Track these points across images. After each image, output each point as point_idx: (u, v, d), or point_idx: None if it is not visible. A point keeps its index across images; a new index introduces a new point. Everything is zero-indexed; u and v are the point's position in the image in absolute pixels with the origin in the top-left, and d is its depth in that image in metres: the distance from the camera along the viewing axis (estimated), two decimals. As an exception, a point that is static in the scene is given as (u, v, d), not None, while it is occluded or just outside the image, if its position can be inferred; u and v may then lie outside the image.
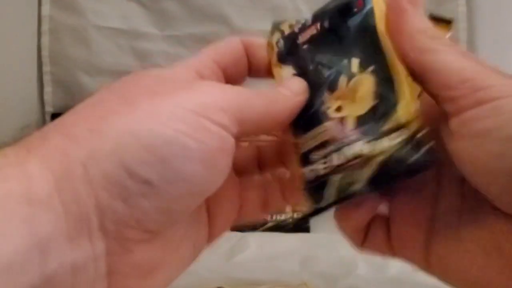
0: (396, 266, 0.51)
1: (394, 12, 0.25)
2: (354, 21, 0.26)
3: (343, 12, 0.27)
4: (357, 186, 0.24)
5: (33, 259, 0.18)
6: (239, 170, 0.28)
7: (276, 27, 0.30)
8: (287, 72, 0.28)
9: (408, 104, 0.23)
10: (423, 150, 0.22)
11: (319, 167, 0.25)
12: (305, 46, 0.28)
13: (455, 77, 0.22)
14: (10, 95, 0.63)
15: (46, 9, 0.67)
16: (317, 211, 0.25)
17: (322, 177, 0.25)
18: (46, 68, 0.68)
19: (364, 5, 0.26)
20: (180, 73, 0.25)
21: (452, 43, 0.25)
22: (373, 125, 0.24)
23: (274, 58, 0.29)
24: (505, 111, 0.20)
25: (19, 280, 0.17)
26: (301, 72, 0.27)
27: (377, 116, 0.24)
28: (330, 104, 0.26)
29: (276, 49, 0.29)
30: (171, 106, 0.20)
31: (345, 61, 0.26)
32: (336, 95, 0.26)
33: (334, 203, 0.25)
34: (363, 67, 0.25)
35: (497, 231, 0.22)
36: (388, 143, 0.23)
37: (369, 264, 0.51)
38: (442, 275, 0.25)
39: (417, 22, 0.26)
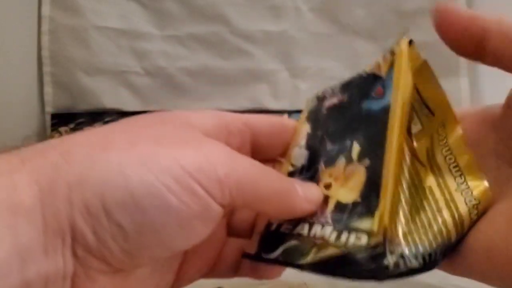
0: (396, 266, 0.50)
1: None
2: (368, 105, 0.26)
3: (363, 91, 0.26)
4: (301, 261, 0.24)
5: (14, 265, 0.18)
6: (234, 231, 0.28)
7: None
8: (305, 129, 0.28)
9: (384, 214, 0.23)
10: (381, 262, 0.22)
11: (286, 225, 0.25)
12: (325, 112, 0.28)
13: None
14: (10, 95, 0.63)
15: (46, 10, 0.67)
16: (257, 257, 0.25)
17: (283, 234, 0.25)
18: (46, 68, 0.68)
19: (383, 94, 0.26)
20: (204, 124, 0.24)
21: None
22: (347, 217, 0.24)
23: (304, 114, 0.29)
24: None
25: (1, 283, 0.18)
26: (313, 134, 0.28)
27: (354, 212, 0.24)
28: (322, 177, 0.26)
29: (308, 107, 0.30)
30: (169, 159, 0.20)
31: (348, 143, 0.26)
32: (330, 172, 0.26)
33: (276, 261, 0.25)
34: (361, 157, 0.25)
35: None
36: (353, 241, 0.23)
37: (369, 264, 0.51)
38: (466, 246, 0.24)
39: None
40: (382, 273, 0.22)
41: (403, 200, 0.24)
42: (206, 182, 0.21)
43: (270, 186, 0.23)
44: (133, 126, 0.23)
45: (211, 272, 0.28)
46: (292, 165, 0.28)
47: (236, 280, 0.48)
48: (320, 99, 0.29)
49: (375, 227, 0.22)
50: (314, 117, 0.29)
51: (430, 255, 0.23)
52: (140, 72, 0.69)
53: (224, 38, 0.69)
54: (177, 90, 0.70)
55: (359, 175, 0.24)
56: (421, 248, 0.23)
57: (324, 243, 0.24)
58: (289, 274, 0.50)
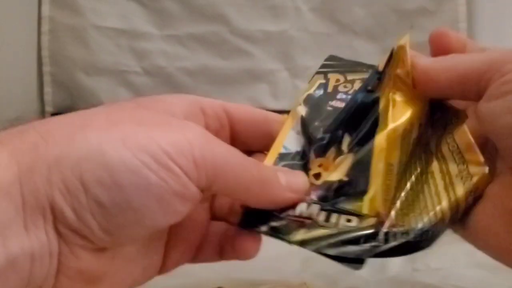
0: (396, 266, 0.51)
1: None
2: (362, 98, 0.27)
3: (363, 85, 0.27)
4: (291, 238, 0.25)
5: None
6: (219, 217, 0.28)
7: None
8: (299, 110, 0.28)
9: (376, 197, 0.24)
10: (366, 246, 0.23)
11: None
12: (329, 108, 0.28)
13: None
14: (10, 95, 0.63)
15: (45, 10, 0.67)
16: (248, 222, 0.25)
17: (268, 213, 0.25)
18: (46, 68, 0.68)
19: (378, 88, 0.27)
20: (182, 107, 0.25)
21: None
22: (333, 196, 0.24)
23: (302, 95, 0.29)
24: None
25: None
26: (308, 120, 0.28)
27: (341, 192, 0.24)
28: (312, 167, 0.26)
29: (311, 89, 0.29)
30: (147, 138, 0.21)
31: (339, 133, 0.26)
32: (320, 162, 0.26)
33: (265, 233, 0.25)
34: (351, 147, 0.26)
35: None
36: (342, 222, 0.23)
37: (369, 264, 0.51)
38: (475, 242, 0.26)
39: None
40: (371, 252, 0.23)
41: (404, 185, 0.25)
42: (182, 161, 0.21)
43: (249, 174, 0.23)
44: (115, 109, 0.23)
45: (196, 256, 0.28)
46: (285, 147, 0.27)
47: (236, 280, 0.48)
48: (323, 86, 0.29)
49: (366, 210, 0.23)
50: (314, 103, 0.28)
51: (421, 235, 0.24)
52: (139, 72, 0.69)
53: (224, 38, 0.69)
54: (176, 90, 0.70)
55: (348, 160, 0.25)
56: (412, 229, 0.24)
57: (313, 223, 0.24)
58: (289, 274, 0.50)
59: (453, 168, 0.25)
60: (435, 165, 0.26)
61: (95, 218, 0.20)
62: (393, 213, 0.24)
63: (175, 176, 0.21)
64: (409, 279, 0.48)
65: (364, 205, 0.24)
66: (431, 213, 0.24)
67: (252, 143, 0.28)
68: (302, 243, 0.25)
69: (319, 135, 0.27)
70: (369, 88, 0.27)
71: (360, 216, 0.23)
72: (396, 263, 0.51)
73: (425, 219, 0.24)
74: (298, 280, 0.47)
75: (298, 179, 0.26)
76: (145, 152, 0.20)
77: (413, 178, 0.25)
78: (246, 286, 0.47)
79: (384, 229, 0.23)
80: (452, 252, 0.53)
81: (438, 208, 0.24)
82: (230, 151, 0.23)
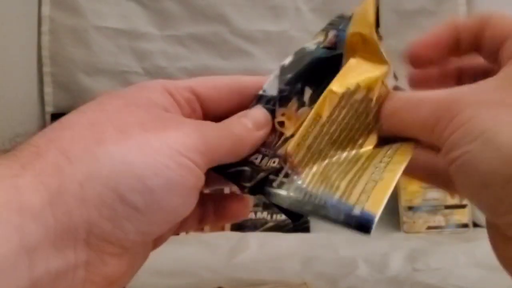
0: (396, 266, 0.51)
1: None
2: (320, 53, 0.29)
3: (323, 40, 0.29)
4: (246, 184, 0.28)
5: (22, 263, 0.19)
6: None
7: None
8: (286, 59, 0.31)
9: (294, 139, 0.27)
10: (272, 179, 0.27)
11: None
12: (313, 51, 0.30)
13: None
14: (10, 95, 0.63)
15: (46, 10, 0.67)
16: (216, 169, 0.28)
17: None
18: (46, 68, 0.68)
19: (336, 45, 0.29)
20: (157, 96, 0.27)
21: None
22: (279, 147, 0.28)
23: (298, 48, 0.31)
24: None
25: (8, 281, 0.19)
26: (286, 68, 0.30)
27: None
28: (277, 115, 0.29)
29: (308, 43, 0.31)
30: (159, 142, 0.23)
31: (299, 86, 0.29)
32: (283, 111, 0.29)
33: (226, 175, 0.28)
34: (312, 101, 0.28)
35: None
36: (271, 164, 0.27)
37: (369, 264, 0.51)
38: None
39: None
40: (267, 185, 0.26)
41: (333, 154, 0.27)
42: (193, 157, 0.23)
43: (231, 143, 0.26)
44: (108, 113, 0.25)
45: (179, 228, 0.31)
46: (264, 90, 0.29)
47: (236, 280, 0.48)
48: (321, 43, 0.30)
49: (283, 151, 0.27)
50: (301, 55, 0.30)
51: (311, 197, 0.26)
52: (140, 72, 0.69)
53: (224, 38, 0.69)
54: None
55: (306, 114, 0.27)
56: (308, 190, 0.26)
57: (258, 168, 0.28)
58: (289, 274, 0.50)
59: (378, 155, 0.27)
60: (367, 151, 0.27)
61: (131, 222, 0.22)
62: (299, 157, 0.26)
63: (191, 170, 0.23)
64: (409, 279, 0.48)
65: (287, 147, 0.27)
66: (329, 185, 0.26)
67: (228, 115, 0.30)
68: (251, 190, 0.28)
69: (282, 86, 0.29)
70: (327, 44, 0.29)
71: (280, 157, 0.27)
72: (396, 263, 0.51)
73: (325, 188, 0.26)
74: (298, 280, 0.47)
75: (258, 114, 0.28)
76: (162, 155, 0.23)
77: (347, 153, 0.27)
78: (246, 286, 0.47)
79: (287, 169, 0.26)
80: (452, 252, 0.53)
81: (336, 183, 0.26)
82: (216, 133, 0.26)
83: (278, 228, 0.65)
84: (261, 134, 0.28)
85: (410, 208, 0.66)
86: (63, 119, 0.25)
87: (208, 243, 0.59)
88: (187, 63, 0.70)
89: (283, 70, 0.29)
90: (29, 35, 0.67)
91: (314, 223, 0.65)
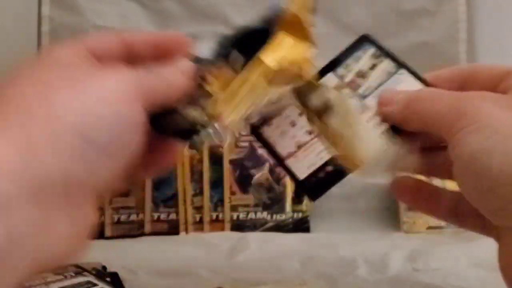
0: (396, 266, 0.51)
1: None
2: (257, 23, 0.33)
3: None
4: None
5: None
6: None
7: None
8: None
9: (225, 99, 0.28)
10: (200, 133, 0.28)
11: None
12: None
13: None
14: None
15: (46, 10, 0.67)
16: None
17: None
18: (46, 68, 0.68)
19: (269, 19, 0.33)
20: (74, 56, 0.28)
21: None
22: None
23: None
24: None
25: None
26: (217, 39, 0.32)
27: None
28: (203, 73, 0.30)
29: None
30: (102, 88, 0.24)
31: (229, 50, 0.31)
32: (211, 70, 0.30)
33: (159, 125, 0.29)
34: (240, 66, 0.30)
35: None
36: (194, 113, 0.29)
37: (369, 264, 0.51)
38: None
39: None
40: (193, 134, 0.28)
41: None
42: (132, 96, 0.25)
43: (164, 89, 0.27)
44: (39, 76, 0.25)
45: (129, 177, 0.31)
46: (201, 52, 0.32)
47: (236, 281, 0.48)
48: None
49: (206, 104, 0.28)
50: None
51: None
52: (140, 72, 0.69)
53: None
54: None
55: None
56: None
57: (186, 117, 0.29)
58: (289, 274, 0.50)
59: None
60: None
61: (102, 164, 0.23)
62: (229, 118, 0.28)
63: (133, 108, 0.25)
64: (409, 279, 0.48)
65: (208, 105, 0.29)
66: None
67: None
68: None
69: (213, 48, 0.31)
70: (267, 19, 0.32)
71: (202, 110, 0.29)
72: (396, 263, 0.51)
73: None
74: (298, 280, 0.47)
75: (183, 64, 0.30)
76: (108, 100, 0.24)
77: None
78: (246, 286, 0.47)
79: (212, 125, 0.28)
80: (452, 252, 0.53)
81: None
82: (154, 76, 0.27)
83: (278, 228, 0.64)
84: (187, 81, 0.29)
85: (410, 208, 0.66)
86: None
87: (208, 243, 0.59)
88: (187, 63, 0.70)
89: (221, 37, 0.31)
90: (29, 35, 0.67)
91: (314, 223, 0.65)
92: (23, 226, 0.20)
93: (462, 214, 0.30)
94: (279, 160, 0.29)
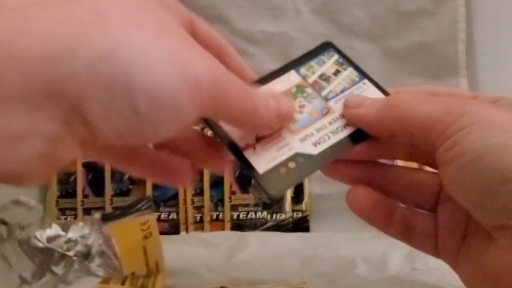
0: (396, 265, 0.51)
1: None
2: None
3: None
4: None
5: None
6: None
7: None
8: None
9: None
10: None
11: None
12: None
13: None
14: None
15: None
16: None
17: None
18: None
19: None
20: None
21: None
22: None
23: None
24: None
25: None
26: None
27: None
28: None
29: None
30: (182, 55, 0.20)
31: None
32: None
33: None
34: None
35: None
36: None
37: (369, 263, 0.51)
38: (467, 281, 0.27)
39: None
40: None
41: None
42: (204, 80, 0.21)
43: (244, 104, 0.24)
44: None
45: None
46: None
47: (236, 280, 0.48)
48: None
49: None
50: None
51: None
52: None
53: (224, 38, 0.70)
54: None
55: None
56: None
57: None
58: (289, 274, 0.50)
59: None
60: None
61: (122, 121, 0.20)
62: None
63: (195, 95, 0.21)
64: (408, 278, 0.48)
65: None
66: None
67: None
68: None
69: None
70: None
71: None
72: (395, 262, 0.51)
73: None
74: (297, 279, 0.47)
75: (287, 106, 0.27)
76: (180, 67, 0.20)
77: None
78: (246, 285, 0.47)
79: None
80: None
81: None
82: (233, 81, 0.23)
83: (278, 227, 0.65)
84: (277, 123, 0.27)
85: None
86: None
87: (208, 243, 0.59)
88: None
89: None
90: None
91: (314, 223, 0.65)
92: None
93: (414, 232, 0.29)
94: (236, 151, 0.28)
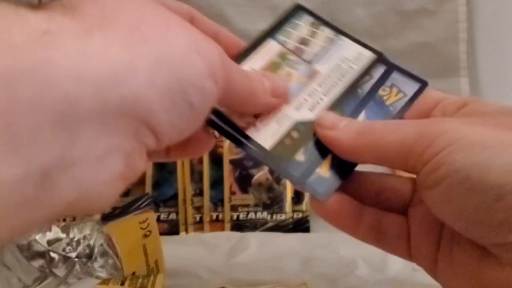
0: (396, 266, 0.51)
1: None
2: None
3: None
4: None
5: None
6: None
7: None
8: None
9: None
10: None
11: None
12: None
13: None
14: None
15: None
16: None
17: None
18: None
19: None
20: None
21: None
22: None
23: None
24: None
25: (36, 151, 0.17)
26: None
27: None
28: None
29: None
30: (209, 47, 0.22)
31: None
32: None
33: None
34: None
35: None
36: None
37: (369, 264, 0.51)
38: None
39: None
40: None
41: None
42: (219, 72, 0.22)
43: (245, 87, 0.25)
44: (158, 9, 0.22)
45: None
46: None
47: (236, 281, 0.48)
48: None
49: None
50: None
51: None
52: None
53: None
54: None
55: None
56: None
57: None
58: (289, 274, 0.50)
59: None
60: None
61: (181, 119, 0.21)
62: None
63: (215, 86, 0.22)
64: (409, 279, 0.48)
65: None
66: None
67: None
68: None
69: None
70: None
71: None
72: (396, 263, 0.51)
73: None
74: (297, 280, 0.47)
75: (281, 84, 0.28)
76: (215, 59, 0.22)
77: None
78: (245, 286, 0.47)
79: None
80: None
81: None
82: (236, 66, 0.25)
83: (278, 228, 0.65)
84: (274, 102, 0.27)
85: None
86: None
87: (208, 243, 0.59)
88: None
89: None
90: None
91: (314, 223, 0.65)
92: (82, 155, 0.18)
93: (386, 235, 0.28)
94: (239, 131, 0.27)
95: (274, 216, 0.65)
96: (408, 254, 0.28)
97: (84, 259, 0.50)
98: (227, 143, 0.65)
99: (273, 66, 0.30)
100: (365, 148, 0.25)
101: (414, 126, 0.24)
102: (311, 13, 0.32)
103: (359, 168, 0.27)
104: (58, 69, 0.17)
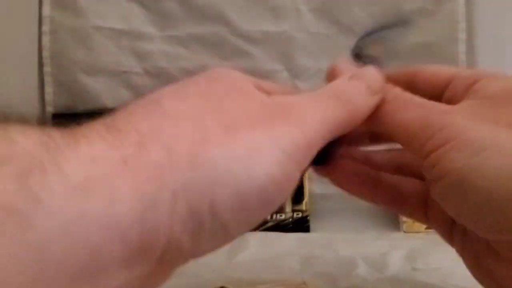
0: (396, 266, 0.51)
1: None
2: None
3: None
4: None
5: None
6: None
7: None
8: None
9: None
10: None
11: None
12: None
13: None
14: (11, 95, 0.63)
15: (46, 10, 0.67)
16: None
17: None
18: (47, 68, 0.68)
19: None
20: (247, 80, 0.24)
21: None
22: None
23: None
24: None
25: None
26: None
27: None
28: None
29: None
30: (268, 143, 0.20)
31: None
32: None
33: None
34: None
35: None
36: None
37: (369, 264, 0.51)
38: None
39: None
40: None
41: None
42: (301, 159, 0.21)
43: (347, 115, 0.23)
44: (211, 101, 0.21)
45: None
46: None
47: (236, 280, 0.48)
48: None
49: None
50: None
51: None
52: (140, 73, 0.69)
53: (224, 38, 0.70)
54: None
55: None
56: None
57: None
58: (289, 274, 0.50)
59: None
60: None
61: (215, 239, 0.19)
62: None
63: (294, 180, 0.21)
64: (409, 278, 0.48)
65: None
66: None
67: None
68: None
69: None
70: None
71: None
72: (396, 262, 0.51)
73: None
74: (297, 280, 0.47)
75: (374, 75, 0.25)
76: (271, 163, 0.19)
77: None
78: (245, 286, 0.47)
79: None
80: (452, 251, 0.53)
81: None
82: (335, 102, 0.23)
83: (278, 227, 0.65)
84: (376, 100, 0.24)
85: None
86: (161, 100, 0.21)
87: (208, 243, 0.59)
88: (187, 64, 0.70)
89: None
90: (30, 35, 0.67)
91: (314, 223, 0.65)
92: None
93: (404, 199, 0.28)
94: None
95: (274, 216, 0.65)
96: (425, 218, 0.28)
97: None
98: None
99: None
100: (377, 119, 0.25)
101: (419, 112, 0.24)
102: None
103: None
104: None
